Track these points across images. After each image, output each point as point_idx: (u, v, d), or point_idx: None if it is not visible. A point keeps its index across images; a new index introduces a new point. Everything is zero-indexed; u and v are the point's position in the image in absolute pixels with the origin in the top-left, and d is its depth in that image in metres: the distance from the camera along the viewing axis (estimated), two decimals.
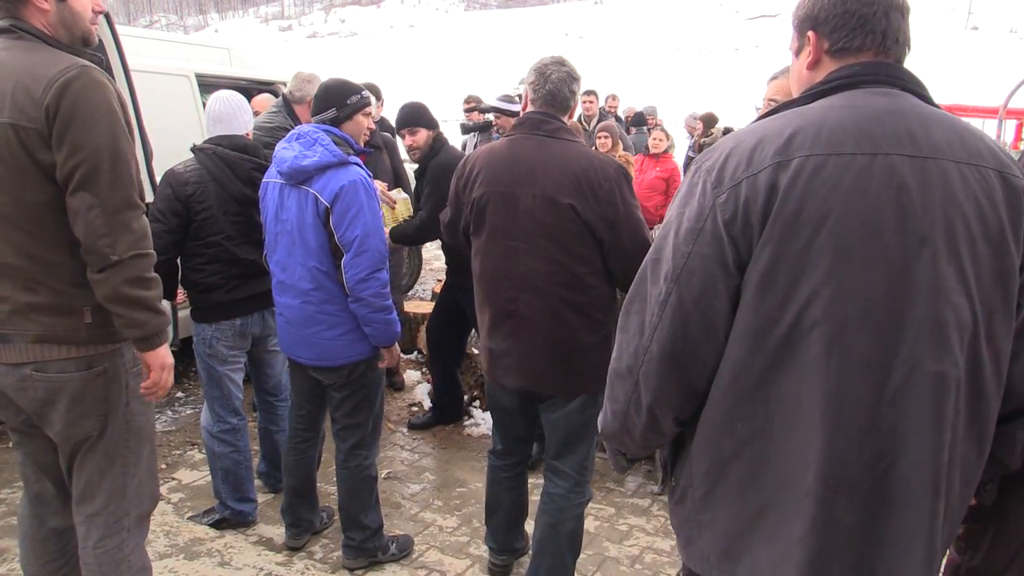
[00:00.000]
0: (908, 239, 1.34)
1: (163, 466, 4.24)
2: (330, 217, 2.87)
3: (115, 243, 2.02)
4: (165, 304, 2.22)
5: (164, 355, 2.21)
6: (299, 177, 2.91)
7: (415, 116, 4.39)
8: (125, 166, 2.05)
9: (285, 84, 6.36)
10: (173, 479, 4.09)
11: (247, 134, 3.47)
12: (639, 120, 11.16)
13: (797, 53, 1.57)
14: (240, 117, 3.44)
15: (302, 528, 3.45)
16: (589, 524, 3.53)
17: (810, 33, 1.52)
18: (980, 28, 56.40)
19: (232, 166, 3.35)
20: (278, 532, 3.53)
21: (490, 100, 6.02)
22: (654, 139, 8.01)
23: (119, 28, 4.03)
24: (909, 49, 1.51)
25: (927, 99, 1.48)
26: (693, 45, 61.41)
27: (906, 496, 1.38)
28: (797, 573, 1.41)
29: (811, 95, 1.49)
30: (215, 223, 3.32)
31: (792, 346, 1.38)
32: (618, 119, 10.55)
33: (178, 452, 4.42)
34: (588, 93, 8.70)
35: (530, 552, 3.43)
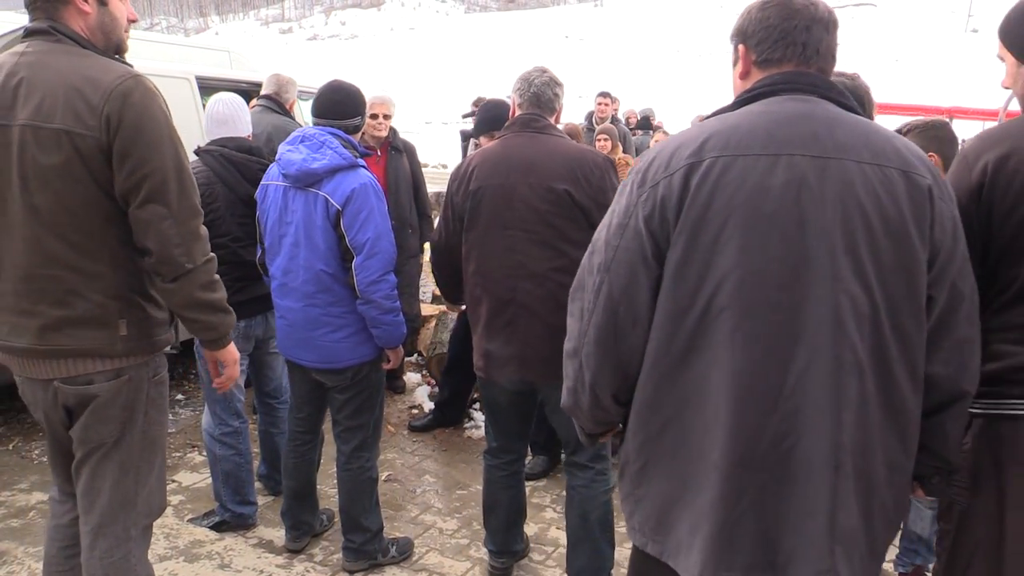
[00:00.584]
0: (807, 232, 1.47)
1: None
2: (341, 219, 2.87)
3: (189, 251, 2.06)
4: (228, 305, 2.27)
5: (233, 351, 2.34)
6: (308, 180, 2.91)
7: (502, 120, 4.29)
8: (188, 174, 2.09)
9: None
10: (173, 481, 4.08)
11: (248, 136, 3.49)
12: (645, 123, 11.22)
13: (733, 65, 1.70)
14: (242, 119, 3.45)
15: (302, 531, 3.45)
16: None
17: (740, 46, 1.66)
18: (980, 30, 56.44)
19: (240, 167, 3.35)
20: (278, 534, 3.53)
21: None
22: (655, 142, 8.04)
23: None
24: (835, 61, 1.66)
25: (846, 105, 1.60)
26: (693, 47, 61.46)
27: (807, 472, 1.49)
28: (705, 541, 1.54)
29: (739, 102, 1.64)
30: (222, 224, 3.31)
31: (704, 330, 1.52)
32: (615, 120, 10.55)
33: (178, 454, 4.41)
34: (603, 95, 8.62)
35: (530, 550, 3.43)
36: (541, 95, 2.83)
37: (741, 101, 1.63)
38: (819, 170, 1.49)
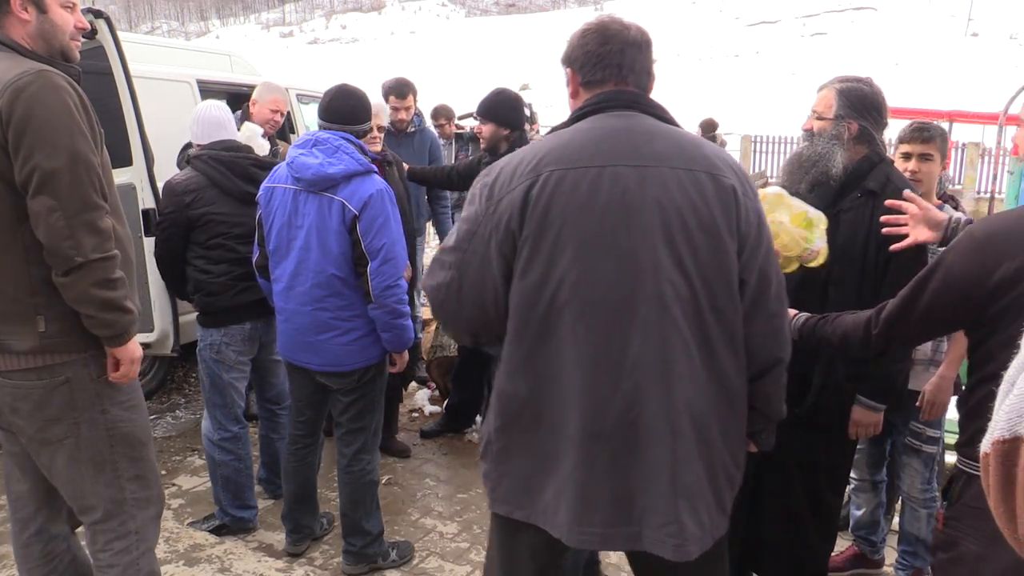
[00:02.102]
0: (633, 231, 1.69)
1: (163, 472, 4.23)
2: (357, 224, 2.88)
3: (79, 245, 2.02)
4: (131, 303, 2.22)
5: (133, 349, 2.24)
6: (324, 184, 2.90)
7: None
8: (84, 167, 2.05)
9: (287, 91, 6.37)
10: (173, 485, 4.08)
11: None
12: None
13: (567, 86, 1.91)
14: (233, 122, 3.51)
15: (302, 534, 3.45)
16: None
17: (568, 70, 1.88)
18: (980, 35, 56.49)
19: (229, 165, 3.36)
20: (278, 538, 3.53)
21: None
22: None
23: (121, 34, 4.04)
24: (651, 76, 1.87)
25: (663, 118, 1.83)
26: (693, 51, 61.52)
27: (650, 438, 1.72)
28: (569, 503, 1.76)
29: (571, 120, 1.86)
30: (218, 224, 3.33)
31: (550, 322, 1.74)
32: None
33: (178, 458, 4.41)
34: None
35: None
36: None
37: (573, 119, 1.85)
38: (640, 177, 1.71)
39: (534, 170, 1.75)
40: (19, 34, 2.10)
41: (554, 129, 1.89)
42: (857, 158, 2.63)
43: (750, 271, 1.78)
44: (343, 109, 3.03)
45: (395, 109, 4.92)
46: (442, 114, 7.28)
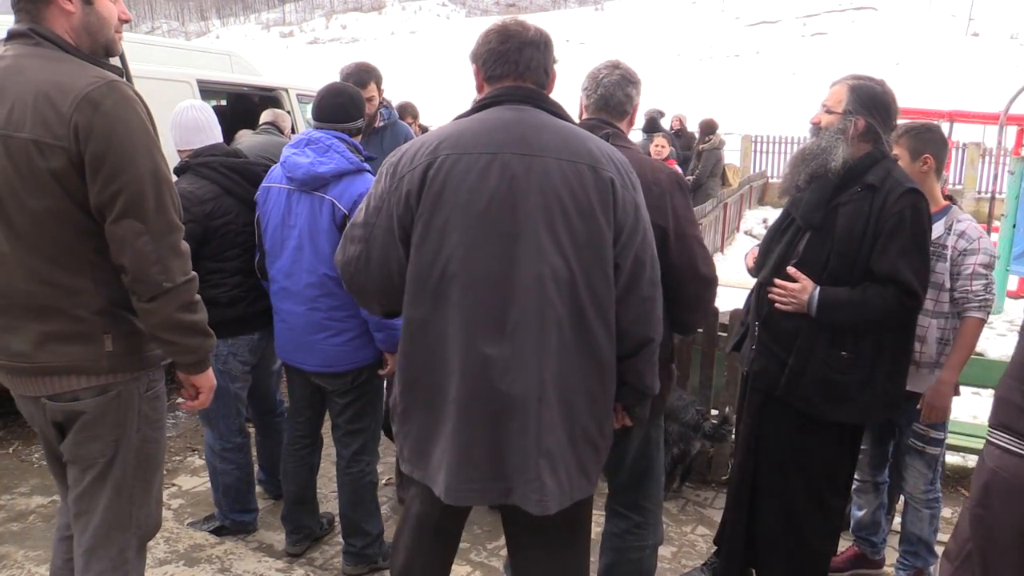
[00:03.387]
0: (517, 214, 1.85)
1: (163, 472, 4.23)
2: (347, 223, 2.86)
3: (167, 269, 1.93)
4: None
5: (212, 376, 2.18)
6: (315, 184, 2.90)
7: None
8: (168, 187, 1.95)
9: (286, 91, 6.38)
10: (173, 485, 4.08)
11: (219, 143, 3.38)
12: (651, 125, 10.55)
13: (474, 81, 2.07)
14: (215, 125, 3.34)
15: (302, 535, 3.44)
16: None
17: (474, 66, 2.05)
18: (981, 34, 56.45)
19: (244, 174, 3.26)
20: (278, 538, 3.52)
21: None
22: (656, 146, 8.03)
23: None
24: (549, 74, 2.03)
25: (557, 114, 1.99)
26: (694, 51, 61.48)
27: (521, 404, 1.89)
28: (450, 462, 1.93)
29: (472, 110, 2.02)
30: (237, 236, 3.22)
31: (441, 292, 1.91)
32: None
33: (178, 458, 4.41)
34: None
35: None
36: (610, 98, 2.49)
37: (474, 109, 2.01)
38: (526, 166, 1.87)
39: (432, 153, 1.92)
40: (62, 27, 1.93)
41: (458, 117, 2.06)
42: (859, 154, 2.64)
43: (625, 256, 1.93)
44: (334, 108, 3.02)
45: None
46: (408, 112, 7.06)
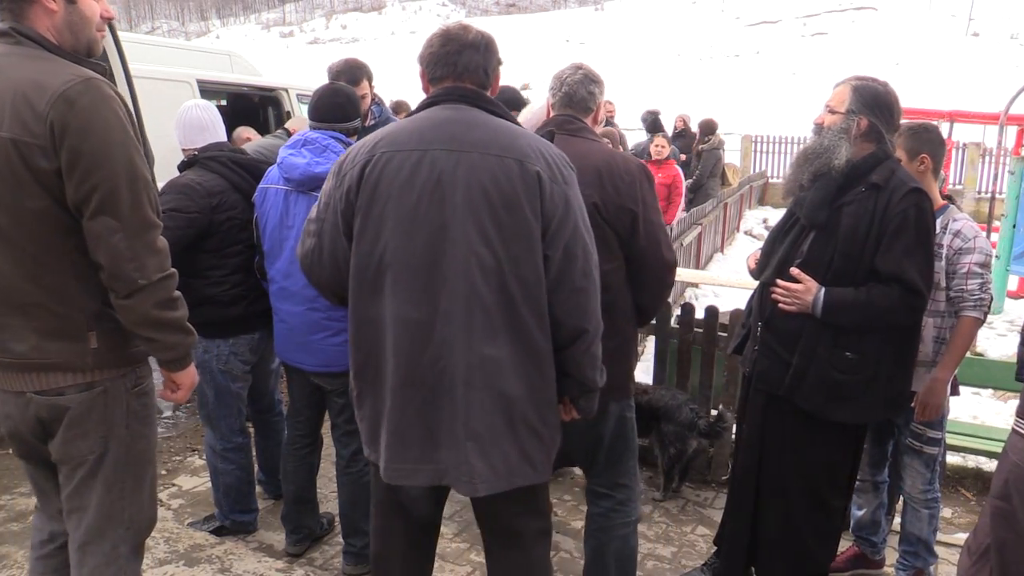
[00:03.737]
0: (445, 207, 1.95)
1: (163, 472, 4.23)
2: None
3: (142, 266, 1.94)
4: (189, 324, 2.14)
5: (193, 372, 2.20)
6: (312, 184, 2.90)
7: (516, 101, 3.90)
8: (144, 184, 1.95)
9: (286, 91, 6.37)
10: (173, 485, 4.08)
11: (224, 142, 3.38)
12: (653, 125, 10.55)
13: (421, 82, 2.18)
14: (220, 124, 3.35)
15: (302, 534, 3.44)
16: None
17: (421, 69, 2.16)
18: (981, 34, 56.43)
19: (251, 170, 3.26)
20: (278, 538, 3.52)
21: None
22: (656, 146, 8.02)
23: (121, 34, 4.04)
24: (489, 75, 2.13)
25: (494, 112, 2.08)
26: (694, 51, 61.44)
27: (450, 388, 1.98)
28: (388, 443, 2.06)
29: (416, 110, 2.13)
30: (241, 232, 3.21)
31: (378, 282, 2.01)
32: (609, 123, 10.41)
33: (178, 458, 4.41)
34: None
35: None
36: (573, 95, 2.65)
37: (417, 109, 2.12)
38: (454, 161, 1.96)
39: (370, 151, 2.04)
40: (45, 26, 1.94)
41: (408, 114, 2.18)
42: (863, 154, 2.64)
43: (555, 247, 1.99)
44: (332, 107, 3.03)
45: None
46: (403, 109, 6.98)
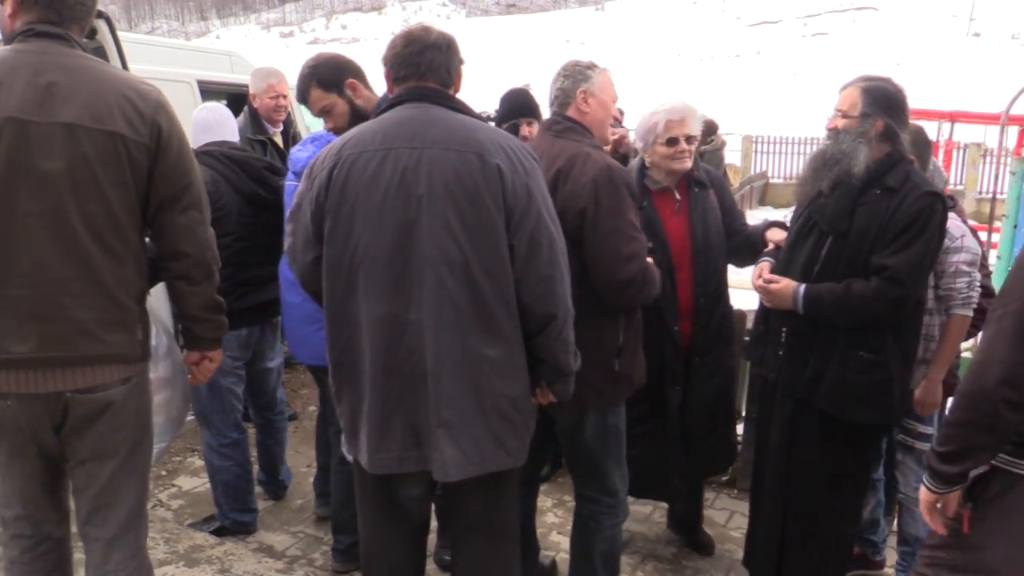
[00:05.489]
0: (410, 203, 2.00)
1: (163, 472, 4.23)
2: None
3: (216, 256, 2.23)
4: None
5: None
6: None
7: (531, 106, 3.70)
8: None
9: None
10: (173, 485, 4.08)
11: (235, 143, 3.48)
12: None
13: (385, 83, 2.23)
14: (228, 125, 3.44)
15: (328, 498, 3.46)
16: None
17: (385, 70, 2.20)
18: (982, 35, 56.41)
19: (243, 165, 3.32)
20: (279, 539, 3.52)
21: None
22: None
23: (121, 34, 4.04)
24: (452, 73, 2.18)
25: (457, 109, 2.13)
26: (694, 51, 61.43)
27: (421, 377, 2.04)
28: (370, 434, 2.11)
29: (381, 110, 2.18)
30: (227, 224, 3.23)
31: (351, 280, 2.07)
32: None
33: (178, 459, 4.41)
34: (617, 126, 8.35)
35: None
36: (552, 97, 2.71)
37: (383, 109, 2.17)
38: (416, 158, 2.01)
39: (338, 153, 2.09)
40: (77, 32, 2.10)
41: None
42: (880, 156, 2.62)
43: (520, 237, 2.04)
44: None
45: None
46: None
